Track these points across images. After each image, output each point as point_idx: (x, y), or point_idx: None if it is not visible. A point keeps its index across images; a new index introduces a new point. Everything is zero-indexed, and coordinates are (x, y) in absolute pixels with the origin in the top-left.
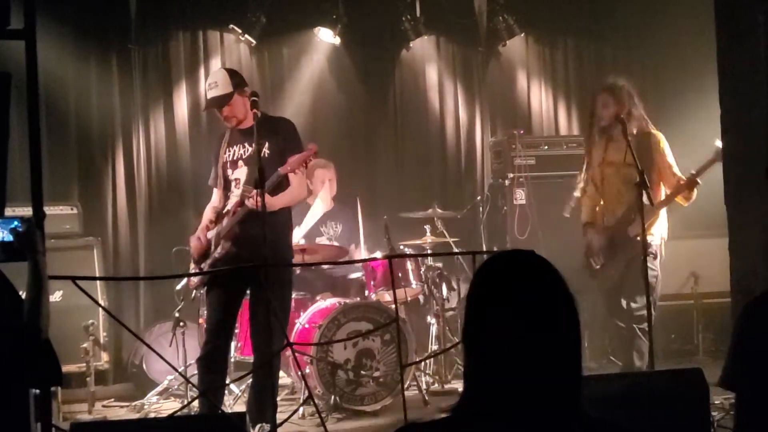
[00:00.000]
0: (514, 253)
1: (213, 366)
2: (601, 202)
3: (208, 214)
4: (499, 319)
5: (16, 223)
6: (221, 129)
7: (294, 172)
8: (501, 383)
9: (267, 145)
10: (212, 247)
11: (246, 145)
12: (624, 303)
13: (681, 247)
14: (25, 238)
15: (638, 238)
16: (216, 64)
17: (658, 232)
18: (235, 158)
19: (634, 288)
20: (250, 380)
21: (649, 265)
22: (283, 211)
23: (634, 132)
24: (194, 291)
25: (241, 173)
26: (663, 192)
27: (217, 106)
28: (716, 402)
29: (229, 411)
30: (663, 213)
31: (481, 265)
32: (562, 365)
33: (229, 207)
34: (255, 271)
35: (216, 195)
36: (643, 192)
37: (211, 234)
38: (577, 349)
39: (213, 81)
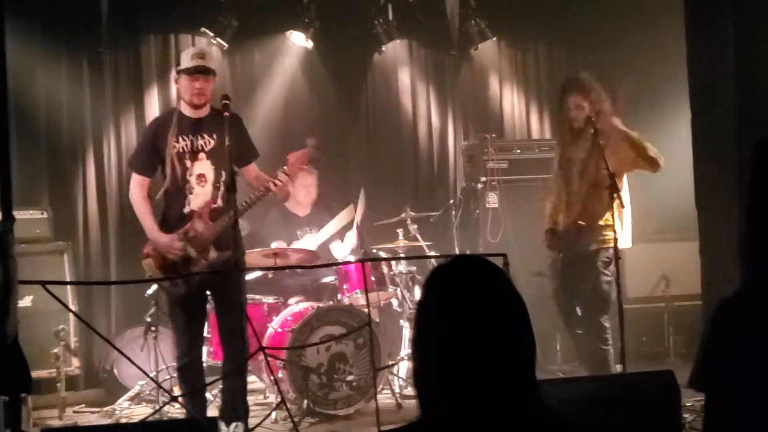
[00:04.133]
0: (462, 259)
1: (192, 376)
2: (561, 203)
3: (147, 208)
4: (447, 326)
5: None
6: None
7: (299, 170)
8: (451, 392)
9: (227, 139)
10: (191, 250)
11: (206, 136)
12: (579, 311)
13: (652, 250)
14: None
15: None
16: None
17: (626, 237)
18: (194, 149)
19: (589, 298)
20: (222, 386)
21: (603, 270)
22: None
23: (604, 129)
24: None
25: (204, 168)
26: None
27: (203, 74)
28: (687, 404)
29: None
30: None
31: (430, 274)
32: (513, 371)
33: (194, 207)
34: (221, 277)
35: (142, 183)
36: (615, 197)
37: (174, 236)
38: (528, 353)
39: (200, 51)
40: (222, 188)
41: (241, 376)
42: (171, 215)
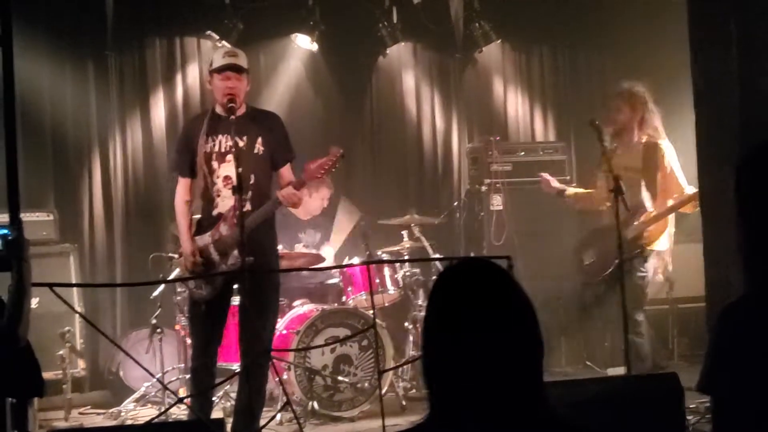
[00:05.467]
0: (469, 263)
1: (202, 378)
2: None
3: (183, 211)
4: (455, 330)
5: (5, 231)
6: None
7: (316, 178)
8: (459, 394)
9: (260, 140)
10: (214, 255)
11: (236, 138)
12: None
13: None
14: (14, 245)
15: (636, 242)
16: (193, 70)
17: (664, 239)
18: (222, 150)
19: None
20: (228, 387)
21: (639, 267)
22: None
23: (643, 140)
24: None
25: (230, 170)
26: (667, 202)
27: (236, 71)
28: (691, 406)
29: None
30: (671, 221)
31: (438, 276)
32: (521, 373)
33: (221, 210)
34: (247, 277)
35: (185, 185)
36: (621, 197)
37: (203, 240)
38: (535, 355)
39: (232, 50)
40: (251, 192)
41: (259, 386)
42: (204, 218)
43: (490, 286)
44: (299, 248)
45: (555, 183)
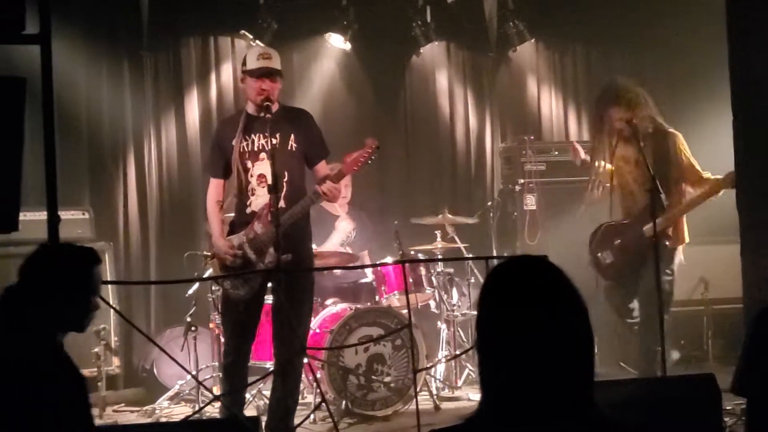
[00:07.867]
0: (523, 259)
1: (234, 376)
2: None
3: (215, 211)
4: (510, 327)
5: None
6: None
7: (353, 171)
8: (514, 390)
9: (293, 137)
10: (250, 254)
11: (268, 135)
12: (634, 304)
13: (691, 252)
14: None
15: (658, 238)
16: (227, 69)
17: (686, 234)
18: (256, 149)
19: (649, 292)
20: (261, 385)
21: (665, 269)
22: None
23: (650, 131)
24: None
25: (265, 168)
26: (686, 190)
27: (269, 76)
28: (728, 407)
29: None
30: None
31: (491, 272)
32: (574, 371)
33: (254, 208)
34: (283, 276)
35: (216, 186)
36: (658, 196)
37: (238, 239)
38: (588, 353)
39: (266, 52)
40: (285, 189)
41: (294, 385)
42: (237, 217)
43: (545, 282)
44: (329, 246)
45: (582, 155)
